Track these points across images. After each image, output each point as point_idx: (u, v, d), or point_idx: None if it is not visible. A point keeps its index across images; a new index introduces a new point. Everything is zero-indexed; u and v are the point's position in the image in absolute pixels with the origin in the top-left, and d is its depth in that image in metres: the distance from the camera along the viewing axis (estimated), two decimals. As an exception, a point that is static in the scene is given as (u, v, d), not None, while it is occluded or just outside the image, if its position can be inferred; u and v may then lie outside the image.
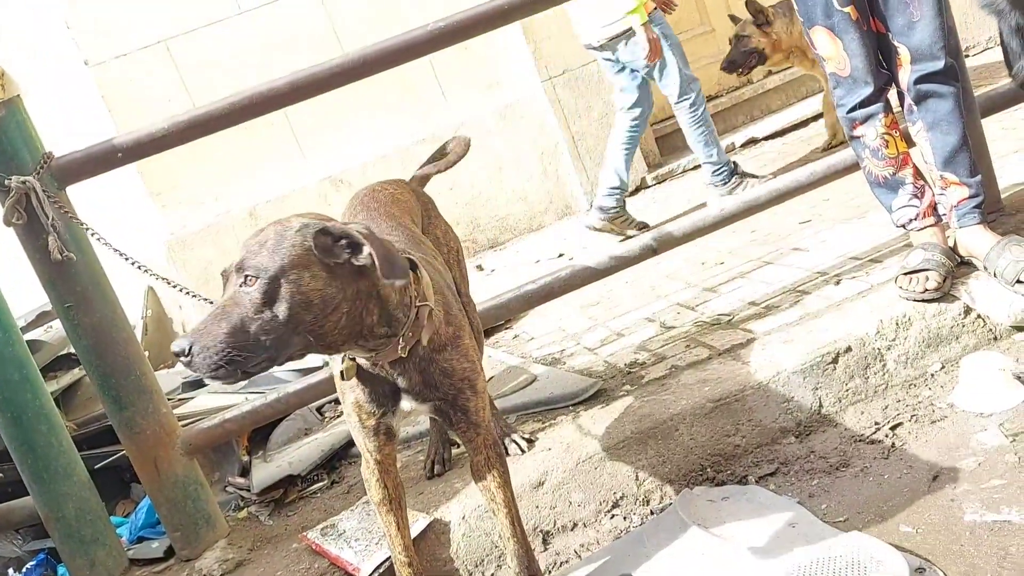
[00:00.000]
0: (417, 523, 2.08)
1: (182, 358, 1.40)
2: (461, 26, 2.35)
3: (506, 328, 3.47)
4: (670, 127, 5.46)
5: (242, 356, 1.39)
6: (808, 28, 2.39)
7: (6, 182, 2.05)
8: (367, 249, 1.44)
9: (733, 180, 4.25)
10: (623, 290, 3.36)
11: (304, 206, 4.94)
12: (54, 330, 3.41)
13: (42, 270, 2.13)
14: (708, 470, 2.14)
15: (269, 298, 1.40)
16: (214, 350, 1.38)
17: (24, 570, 2.50)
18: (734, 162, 4.30)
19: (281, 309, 1.40)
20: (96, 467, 2.62)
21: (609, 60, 4.21)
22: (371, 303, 1.51)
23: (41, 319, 3.34)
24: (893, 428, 2.10)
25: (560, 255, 4.31)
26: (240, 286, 1.42)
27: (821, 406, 2.21)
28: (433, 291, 1.66)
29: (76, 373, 3.15)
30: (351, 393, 1.69)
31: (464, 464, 2.35)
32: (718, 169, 4.24)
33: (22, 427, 2.22)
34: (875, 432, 2.10)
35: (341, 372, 1.64)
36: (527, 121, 5.11)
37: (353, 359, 1.63)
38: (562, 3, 2.54)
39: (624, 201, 4.25)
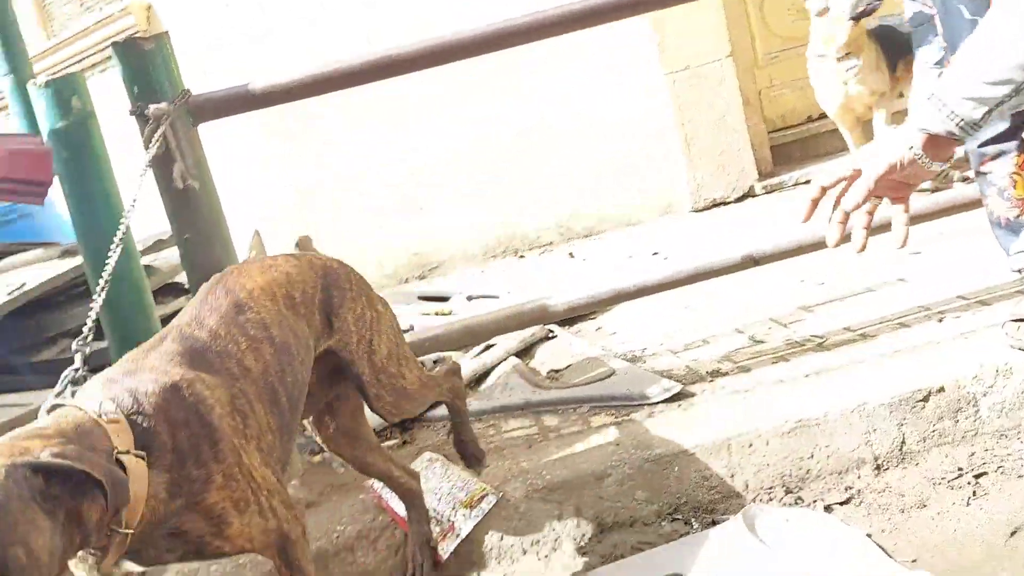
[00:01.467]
0: (487, 499, 2.13)
1: None
2: (594, 10, 2.34)
3: (591, 318, 3.48)
4: (789, 136, 5.34)
5: None
6: (950, 55, 2.30)
7: (146, 112, 2.18)
8: (93, 480, 1.21)
9: None
10: (715, 297, 3.33)
11: (414, 174, 5.05)
12: (164, 258, 3.59)
13: (168, 200, 2.25)
14: (778, 489, 2.12)
15: None
16: None
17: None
18: None
19: None
20: (189, 392, 2.76)
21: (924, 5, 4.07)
22: (74, 532, 1.24)
23: (157, 246, 3.52)
24: (977, 477, 2.04)
25: (655, 253, 4.28)
26: None
27: (904, 443, 2.15)
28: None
29: (181, 302, 3.31)
30: None
31: (515, 445, 2.39)
32: None
33: (130, 346, 2.34)
34: (957, 477, 2.04)
35: None
36: (642, 114, 5.07)
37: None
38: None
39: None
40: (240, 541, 1.46)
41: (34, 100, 2.21)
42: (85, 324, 1.64)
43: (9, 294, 2.70)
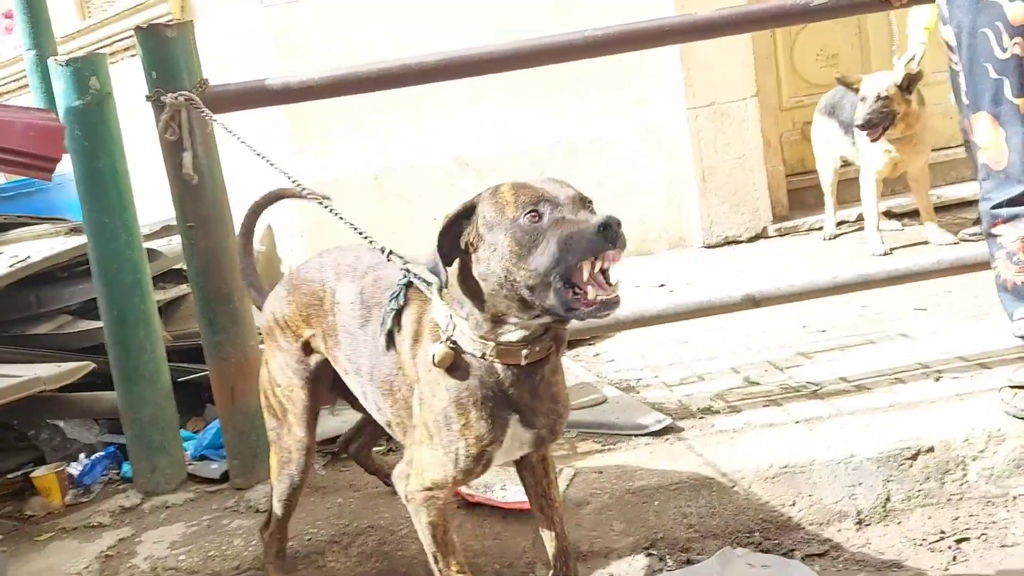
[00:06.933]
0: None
1: None
2: (617, 39, 2.35)
3: (589, 344, 3.46)
4: (806, 181, 5.33)
5: None
6: (971, 113, 2.29)
7: (163, 98, 2.19)
8: None
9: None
10: (715, 334, 3.31)
11: (428, 180, 5.06)
12: (172, 244, 3.60)
13: (175, 187, 2.26)
14: (756, 534, 2.09)
15: None
16: None
17: (92, 458, 2.66)
18: None
19: None
20: (179, 380, 2.76)
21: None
22: None
23: (163, 232, 3.53)
24: (959, 541, 2.00)
25: (661, 286, 4.26)
26: None
27: (888, 500, 2.12)
28: None
29: (183, 289, 3.30)
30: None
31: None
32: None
33: (124, 327, 2.36)
34: (939, 540, 2.01)
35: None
36: (663, 146, 5.07)
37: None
38: (721, 36, 2.52)
39: None
40: None
41: (53, 77, 2.23)
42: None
43: (11, 265, 2.71)
